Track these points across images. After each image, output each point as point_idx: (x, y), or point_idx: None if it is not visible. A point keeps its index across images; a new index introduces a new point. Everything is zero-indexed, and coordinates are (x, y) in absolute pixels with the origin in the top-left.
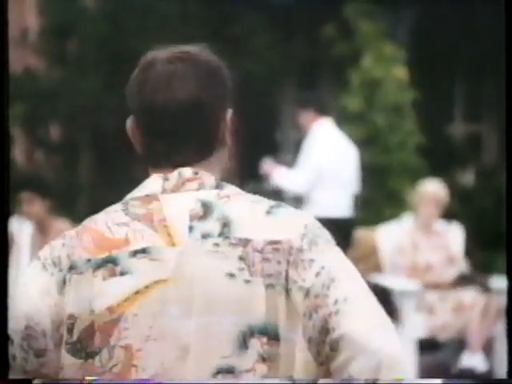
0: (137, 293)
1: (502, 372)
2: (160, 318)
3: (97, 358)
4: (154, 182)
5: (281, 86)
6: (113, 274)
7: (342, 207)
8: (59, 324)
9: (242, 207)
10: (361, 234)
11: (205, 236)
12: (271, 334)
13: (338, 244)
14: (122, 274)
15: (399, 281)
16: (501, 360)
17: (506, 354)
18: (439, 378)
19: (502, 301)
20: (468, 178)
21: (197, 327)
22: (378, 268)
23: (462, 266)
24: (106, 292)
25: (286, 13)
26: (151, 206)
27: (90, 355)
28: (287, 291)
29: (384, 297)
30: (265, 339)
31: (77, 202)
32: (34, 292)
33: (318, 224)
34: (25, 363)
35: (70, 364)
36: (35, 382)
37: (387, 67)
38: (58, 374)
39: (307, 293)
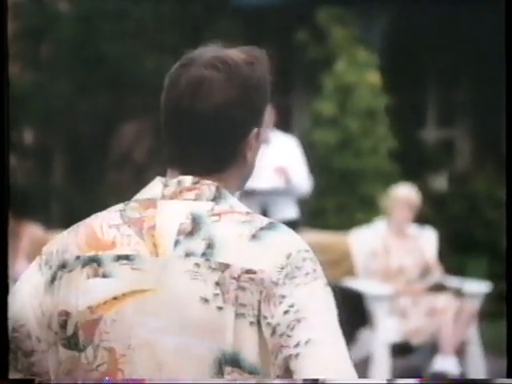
0: (114, 298)
1: (474, 375)
2: (137, 328)
3: (83, 354)
4: (155, 186)
5: None
6: (96, 275)
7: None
8: (48, 323)
9: (228, 229)
10: (334, 238)
11: (188, 254)
12: (239, 365)
13: None
14: (104, 276)
15: (372, 285)
16: (473, 363)
17: (506, 354)
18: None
19: (475, 305)
20: (440, 182)
21: (173, 345)
22: (351, 272)
23: (434, 270)
24: (87, 291)
25: (260, 18)
26: (146, 213)
27: (80, 350)
28: (259, 324)
29: (357, 301)
30: (229, 369)
31: (50, 207)
32: (23, 293)
33: (305, 253)
34: (16, 363)
35: (67, 358)
36: (37, 381)
37: (360, 72)
38: (49, 373)
39: (274, 331)
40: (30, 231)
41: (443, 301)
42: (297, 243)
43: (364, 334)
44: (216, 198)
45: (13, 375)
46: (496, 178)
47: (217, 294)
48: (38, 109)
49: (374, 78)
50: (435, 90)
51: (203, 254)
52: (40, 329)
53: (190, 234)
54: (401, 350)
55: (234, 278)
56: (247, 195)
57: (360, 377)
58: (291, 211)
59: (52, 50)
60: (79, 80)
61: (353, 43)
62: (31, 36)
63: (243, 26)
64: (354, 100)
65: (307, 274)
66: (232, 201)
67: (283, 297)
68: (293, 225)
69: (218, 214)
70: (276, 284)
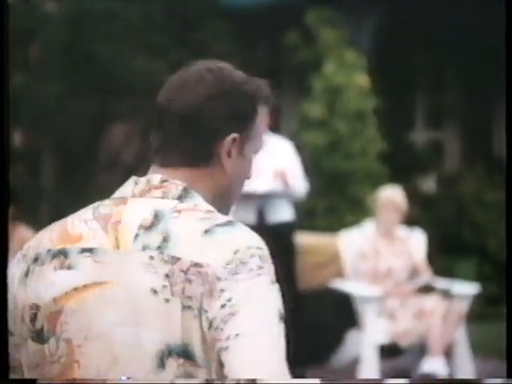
0: (75, 289)
1: (462, 377)
2: (95, 319)
3: (46, 346)
4: (128, 185)
5: None
6: (62, 267)
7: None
8: (21, 316)
9: (185, 224)
10: (323, 240)
11: (145, 247)
12: (188, 356)
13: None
14: (69, 268)
15: (361, 286)
16: (461, 365)
17: (506, 354)
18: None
19: (463, 306)
20: (429, 184)
21: (125, 337)
22: (340, 274)
23: (423, 271)
24: (53, 282)
25: (249, 20)
26: (116, 209)
27: (45, 342)
28: (200, 317)
29: (346, 302)
30: (181, 360)
31: (40, 209)
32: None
33: (255, 250)
34: None
35: (35, 351)
36: (40, 381)
37: (349, 74)
38: (21, 367)
39: (210, 324)
40: (20, 233)
41: (431, 302)
42: (249, 240)
43: (352, 336)
44: (181, 197)
45: None
46: (485, 180)
47: (165, 286)
48: (27, 111)
49: (362, 79)
50: (424, 92)
51: (158, 247)
52: (13, 322)
53: (149, 228)
54: (389, 351)
55: (183, 271)
56: (244, 198)
57: (349, 378)
58: (287, 213)
59: (41, 51)
60: (68, 82)
61: (342, 45)
62: (20, 38)
63: (232, 28)
64: (342, 102)
65: (251, 270)
66: (198, 200)
67: (222, 291)
68: (289, 227)
69: (179, 211)
70: (219, 279)
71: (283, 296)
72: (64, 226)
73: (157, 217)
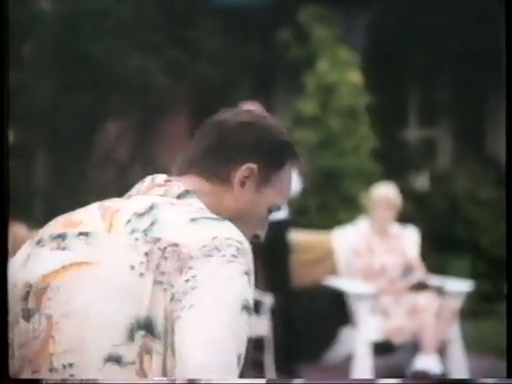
0: (63, 267)
1: (455, 374)
2: (76, 297)
3: (31, 322)
4: (137, 185)
5: (236, 90)
6: (58, 248)
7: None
8: (19, 295)
9: (175, 213)
10: (316, 237)
11: (133, 231)
12: (149, 329)
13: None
14: (63, 248)
15: (354, 284)
16: (455, 362)
17: (506, 354)
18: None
19: (457, 303)
20: (422, 182)
21: (101, 312)
22: (333, 271)
23: (416, 268)
24: (46, 261)
25: (242, 17)
26: (118, 202)
27: (30, 319)
28: (167, 292)
29: (339, 300)
30: (142, 333)
31: (34, 207)
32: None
33: (234, 242)
34: None
35: (23, 329)
36: (44, 382)
37: (342, 71)
38: (13, 345)
39: (172, 297)
40: (14, 230)
41: (425, 299)
42: (231, 233)
43: (346, 333)
44: (181, 196)
45: None
46: (477, 178)
47: (142, 263)
48: (21, 108)
49: (356, 77)
50: (417, 90)
51: (144, 230)
52: (10, 301)
53: (142, 215)
54: (383, 348)
55: (160, 249)
56: None
57: (342, 376)
58: (281, 211)
59: (35, 49)
60: (62, 79)
61: (335, 42)
62: (13, 35)
63: (225, 25)
64: (335, 99)
65: (224, 256)
66: (193, 201)
67: (190, 268)
68: (283, 225)
69: (173, 204)
70: (191, 257)
71: (276, 293)
72: (70, 214)
73: (151, 207)
